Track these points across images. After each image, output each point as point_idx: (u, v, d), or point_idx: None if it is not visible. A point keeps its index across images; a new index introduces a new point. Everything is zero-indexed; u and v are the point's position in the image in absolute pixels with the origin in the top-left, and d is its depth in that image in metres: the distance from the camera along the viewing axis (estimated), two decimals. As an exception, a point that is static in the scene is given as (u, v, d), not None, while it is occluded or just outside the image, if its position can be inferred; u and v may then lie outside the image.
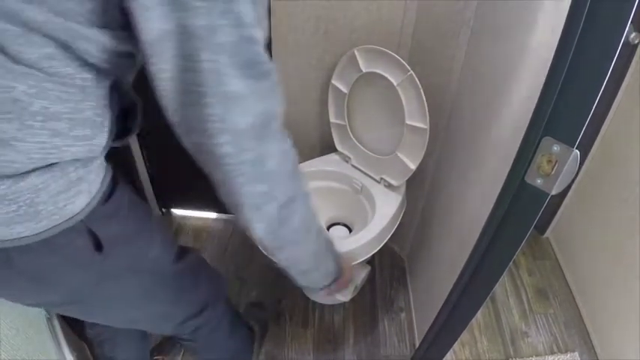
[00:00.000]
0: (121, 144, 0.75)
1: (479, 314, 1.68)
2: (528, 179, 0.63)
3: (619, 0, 0.50)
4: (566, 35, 0.55)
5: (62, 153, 0.59)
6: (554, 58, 0.57)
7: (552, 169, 0.60)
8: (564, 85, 0.56)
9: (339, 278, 0.92)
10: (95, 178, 0.66)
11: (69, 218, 0.63)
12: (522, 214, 0.67)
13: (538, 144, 0.60)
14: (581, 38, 0.53)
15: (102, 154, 0.67)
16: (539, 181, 0.63)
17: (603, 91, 0.53)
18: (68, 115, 0.58)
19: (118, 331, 1.19)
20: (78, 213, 0.64)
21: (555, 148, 0.59)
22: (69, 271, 0.70)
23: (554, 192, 0.62)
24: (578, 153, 0.58)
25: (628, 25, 0.51)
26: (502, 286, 1.81)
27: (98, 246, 0.69)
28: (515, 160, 0.65)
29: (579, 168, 1.69)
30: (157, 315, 0.95)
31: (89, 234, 0.68)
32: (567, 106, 0.57)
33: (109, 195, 0.69)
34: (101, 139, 0.64)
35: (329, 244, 0.86)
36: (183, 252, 0.94)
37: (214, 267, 1.10)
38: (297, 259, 0.79)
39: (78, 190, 0.63)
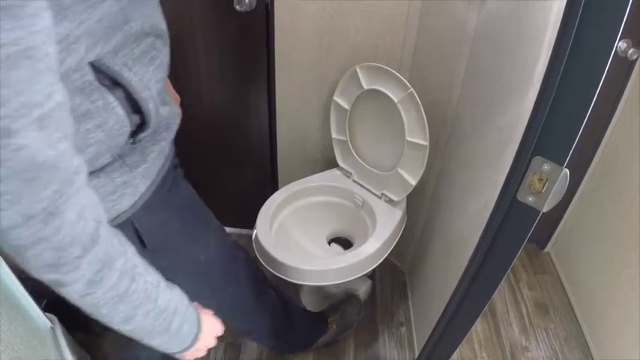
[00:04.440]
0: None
1: (479, 328, 1.69)
2: (520, 197, 0.65)
3: (606, 28, 0.52)
4: (555, 56, 0.57)
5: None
6: (543, 79, 0.60)
7: (543, 187, 0.62)
8: (553, 105, 0.58)
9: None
10: (140, 182, 0.68)
11: (116, 216, 0.66)
12: (514, 231, 0.69)
13: (529, 163, 0.62)
14: (570, 60, 0.55)
15: (150, 157, 0.68)
16: (530, 198, 0.64)
17: (601, 106, 0.55)
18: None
19: None
20: (125, 211, 0.67)
21: (545, 167, 0.61)
22: None
23: (545, 209, 0.64)
24: (568, 171, 0.60)
25: (614, 49, 0.54)
26: (502, 301, 1.81)
27: (142, 241, 0.72)
28: (507, 178, 0.67)
29: (580, 181, 1.72)
30: None
31: (133, 229, 0.70)
32: (556, 127, 0.59)
33: (154, 195, 0.71)
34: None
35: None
36: (237, 259, 0.95)
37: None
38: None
39: (122, 193, 0.65)
